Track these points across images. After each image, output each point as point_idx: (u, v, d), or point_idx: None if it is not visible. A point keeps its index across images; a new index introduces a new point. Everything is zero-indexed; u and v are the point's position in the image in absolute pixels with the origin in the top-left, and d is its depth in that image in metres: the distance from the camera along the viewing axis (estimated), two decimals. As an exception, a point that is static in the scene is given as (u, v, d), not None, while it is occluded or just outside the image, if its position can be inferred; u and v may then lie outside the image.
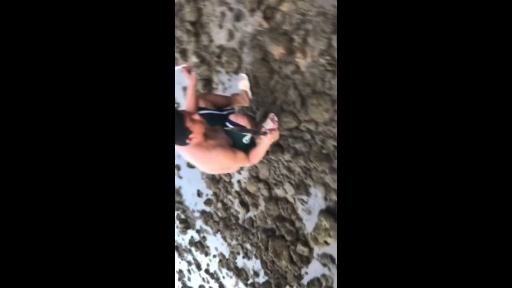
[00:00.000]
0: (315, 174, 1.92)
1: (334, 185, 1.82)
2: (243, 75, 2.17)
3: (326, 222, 1.87)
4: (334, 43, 1.50)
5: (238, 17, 2.03)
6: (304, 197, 2.08)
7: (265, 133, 1.58)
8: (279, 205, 2.28)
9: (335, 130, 1.72)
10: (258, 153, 1.70)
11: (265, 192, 2.37)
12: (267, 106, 2.07)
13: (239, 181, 2.66)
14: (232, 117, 1.76)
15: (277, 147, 2.07)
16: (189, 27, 2.37)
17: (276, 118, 1.86)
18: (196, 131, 1.49)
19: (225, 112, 1.93)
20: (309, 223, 2.13)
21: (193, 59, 2.46)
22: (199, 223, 3.71)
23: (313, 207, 2.05)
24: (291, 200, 2.21)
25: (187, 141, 1.48)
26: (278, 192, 2.28)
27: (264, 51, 1.93)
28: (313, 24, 1.59)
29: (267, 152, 2.10)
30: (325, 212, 1.92)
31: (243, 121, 1.73)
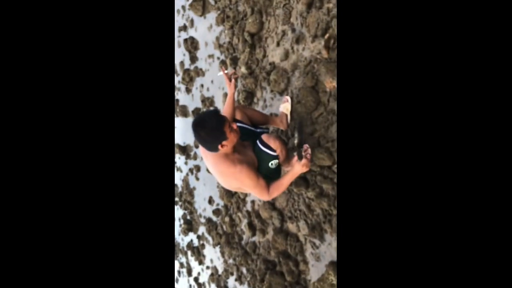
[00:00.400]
0: (335, 222, 1.76)
1: (353, 240, 1.65)
2: (288, 98, 2.09)
3: (334, 277, 1.69)
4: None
5: (298, 39, 1.97)
6: (317, 241, 1.91)
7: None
8: (288, 241, 2.13)
9: (370, 182, 1.57)
10: (280, 186, 1.59)
11: (277, 222, 2.23)
12: (304, 136, 1.96)
13: (253, 202, 2.54)
14: (264, 137, 1.66)
15: (302, 180, 1.93)
16: (247, 37, 2.35)
17: (309, 151, 1.74)
18: (230, 140, 1.43)
19: (258, 130, 1.84)
20: (314, 270, 1.95)
21: (243, 69, 2.42)
22: (202, 229, 3.61)
23: (323, 255, 1.88)
24: (302, 239, 2.05)
25: (219, 146, 1.41)
26: (291, 226, 2.13)
27: (316, 80, 1.83)
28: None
29: (290, 183, 1.98)
30: (336, 266, 1.74)
31: (274, 144, 1.63)
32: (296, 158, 1.63)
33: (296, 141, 1.99)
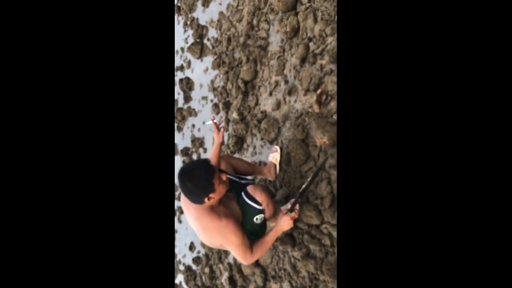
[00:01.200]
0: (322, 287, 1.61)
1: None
2: (277, 147, 2.03)
3: None
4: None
5: (291, 91, 1.96)
6: (301, 308, 1.73)
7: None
8: (270, 303, 1.94)
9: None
10: (264, 245, 1.47)
11: (259, 280, 2.04)
12: (292, 189, 1.87)
13: (236, 254, 2.36)
14: (249, 188, 1.56)
15: (288, 237, 1.81)
16: (241, 84, 2.35)
17: (297, 207, 1.65)
18: (218, 192, 1.32)
19: (243, 181, 1.75)
20: None
21: (234, 115, 2.40)
22: (180, 278, 3.34)
23: (308, 324, 1.69)
24: (285, 302, 1.86)
25: (205, 199, 1.29)
26: (274, 287, 1.95)
27: (306, 133, 1.79)
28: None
29: (276, 239, 1.85)
30: None
31: (260, 197, 1.53)
32: (284, 211, 1.54)
33: (282, 194, 1.90)
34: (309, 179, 1.53)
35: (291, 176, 1.88)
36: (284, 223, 1.47)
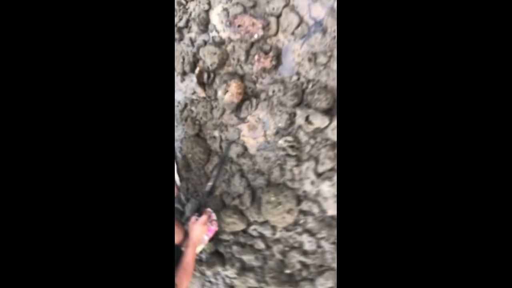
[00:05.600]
0: (272, 299, 1.32)
1: (300, 318, 1.24)
2: (169, 154, 1.61)
3: None
4: (297, 120, 1.10)
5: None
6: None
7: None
8: None
9: (301, 238, 1.22)
10: (186, 268, 1.15)
11: (196, 321, 1.62)
12: (201, 198, 1.50)
13: None
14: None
15: (214, 256, 1.44)
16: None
17: (214, 216, 1.31)
18: None
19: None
20: None
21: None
22: None
23: None
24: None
25: None
26: (216, 320, 1.57)
27: (198, 125, 1.44)
28: (265, 93, 1.20)
29: (198, 263, 1.47)
30: None
31: None
32: (193, 220, 1.22)
33: (191, 207, 1.51)
34: (214, 173, 1.24)
35: (196, 182, 1.51)
36: (197, 232, 1.20)
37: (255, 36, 1.11)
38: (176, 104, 1.55)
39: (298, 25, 1.07)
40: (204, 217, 1.22)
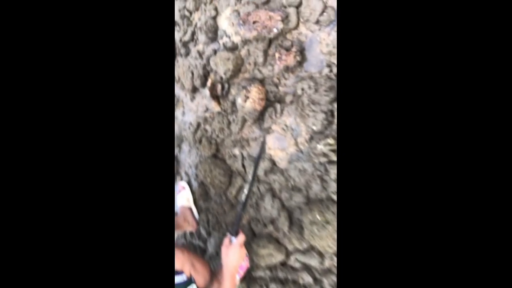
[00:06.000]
0: None
1: None
2: (183, 184, 1.43)
3: None
4: (335, 118, 0.93)
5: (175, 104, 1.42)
6: None
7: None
8: None
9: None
10: None
11: None
12: (226, 229, 1.28)
13: None
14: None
15: (249, 299, 1.19)
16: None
17: (245, 250, 1.08)
18: None
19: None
20: None
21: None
22: None
23: None
24: None
25: None
26: None
27: (215, 144, 1.27)
28: (292, 94, 1.03)
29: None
30: None
31: (179, 261, 1.00)
32: (226, 241, 0.99)
33: (215, 243, 1.29)
34: (250, 178, 1.06)
35: (218, 211, 1.30)
36: (234, 257, 0.97)
37: (274, 31, 0.97)
38: (187, 126, 1.40)
39: (323, 11, 0.93)
40: (241, 238, 0.99)
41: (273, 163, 1.11)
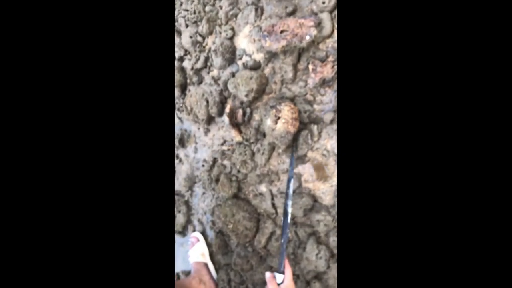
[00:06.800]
0: None
1: None
2: (197, 235, 1.18)
3: None
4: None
5: (182, 140, 1.24)
6: None
7: None
8: None
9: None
10: None
11: None
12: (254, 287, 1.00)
13: None
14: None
15: None
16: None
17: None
18: None
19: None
20: None
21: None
22: None
23: None
24: None
25: None
26: None
27: (237, 182, 1.05)
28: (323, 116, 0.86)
29: None
30: None
31: None
32: (270, 279, 0.71)
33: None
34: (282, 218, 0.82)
35: (242, 268, 1.03)
36: None
37: (307, 38, 0.83)
38: (200, 164, 1.19)
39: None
40: (288, 273, 0.74)
41: (314, 199, 0.89)
